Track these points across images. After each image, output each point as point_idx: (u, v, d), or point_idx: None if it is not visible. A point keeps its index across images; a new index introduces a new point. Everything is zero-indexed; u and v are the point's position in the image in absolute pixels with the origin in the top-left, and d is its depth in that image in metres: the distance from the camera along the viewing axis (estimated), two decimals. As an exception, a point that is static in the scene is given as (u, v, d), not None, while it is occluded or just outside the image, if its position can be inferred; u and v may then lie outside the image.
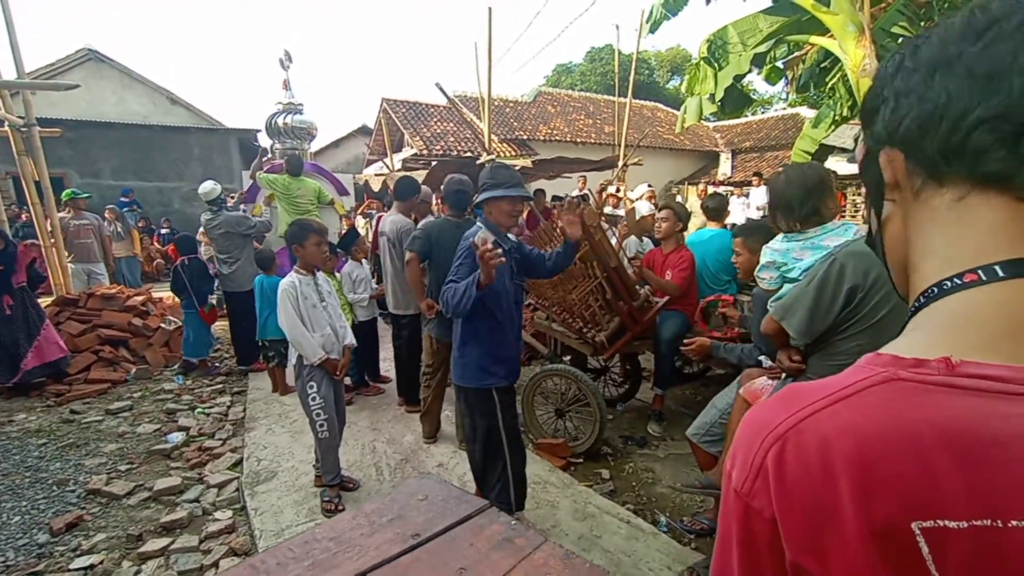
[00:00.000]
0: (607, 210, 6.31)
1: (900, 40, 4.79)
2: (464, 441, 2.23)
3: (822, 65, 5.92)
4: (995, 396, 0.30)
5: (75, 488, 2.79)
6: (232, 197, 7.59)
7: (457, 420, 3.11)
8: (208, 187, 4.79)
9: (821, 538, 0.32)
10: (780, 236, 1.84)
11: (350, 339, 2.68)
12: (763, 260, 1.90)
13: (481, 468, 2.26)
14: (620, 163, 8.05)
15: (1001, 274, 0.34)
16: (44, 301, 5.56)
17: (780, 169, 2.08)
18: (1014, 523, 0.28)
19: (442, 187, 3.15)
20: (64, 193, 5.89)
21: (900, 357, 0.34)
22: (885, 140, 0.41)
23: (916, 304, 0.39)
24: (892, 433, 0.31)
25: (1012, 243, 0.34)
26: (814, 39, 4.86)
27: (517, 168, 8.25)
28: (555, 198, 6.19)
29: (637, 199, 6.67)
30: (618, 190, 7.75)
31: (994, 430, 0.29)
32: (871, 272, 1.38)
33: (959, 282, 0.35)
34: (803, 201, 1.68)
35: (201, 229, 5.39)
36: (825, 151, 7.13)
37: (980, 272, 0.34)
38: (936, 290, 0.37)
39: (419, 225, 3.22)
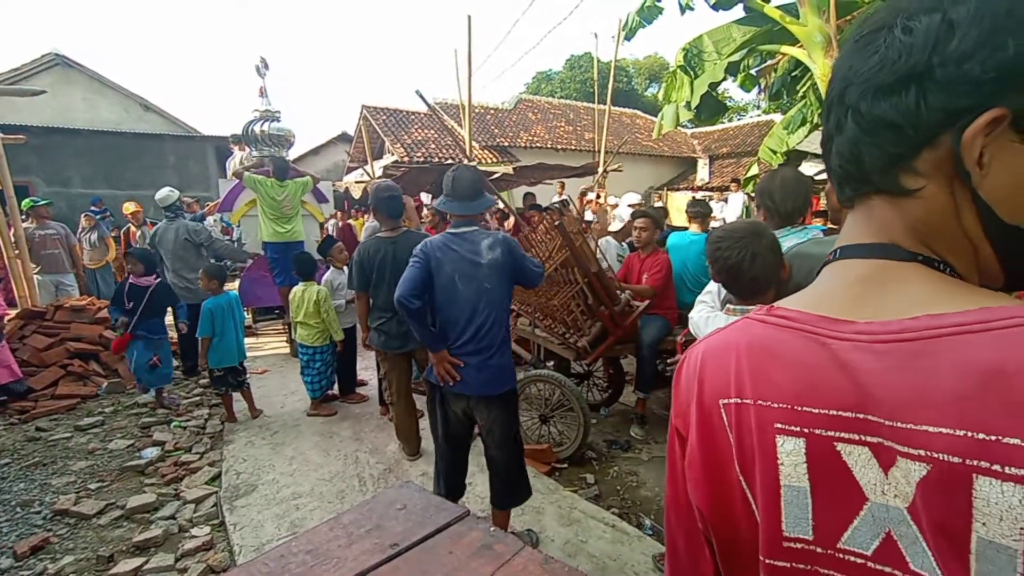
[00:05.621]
0: (587, 216, 6.37)
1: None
2: (504, 450, 2.14)
3: (793, 74, 6.11)
4: (780, 328, 0.47)
5: (41, 509, 2.68)
6: (205, 206, 7.44)
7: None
8: (164, 192, 4.77)
9: (687, 411, 0.51)
10: None
11: None
12: None
13: (512, 471, 2.18)
14: (600, 170, 8.14)
15: (835, 256, 0.49)
16: (8, 314, 5.35)
17: (774, 168, 2.14)
18: (760, 402, 0.45)
19: (371, 197, 3.06)
20: (23, 202, 5.69)
21: (761, 307, 0.52)
22: None
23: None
24: (722, 346, 0.50)
25: (844, 237, 0.49)
26: (785, 49, 5.02)
27: (498, 175, 8.19)
28: (532, 206, 6.22)
29: (628, 206, 6.76)
30: (598, 196, 7.83)
31: (770, 345, 0.46)
32: (813, 272, 1.44)
33: (829, 259, 0.51)
34: (796, 201, 1.74)
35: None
36: (799, 156, 7.32)
37: (836, 252, 0.50)
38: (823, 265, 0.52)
39: (356, 250, 3.07)
